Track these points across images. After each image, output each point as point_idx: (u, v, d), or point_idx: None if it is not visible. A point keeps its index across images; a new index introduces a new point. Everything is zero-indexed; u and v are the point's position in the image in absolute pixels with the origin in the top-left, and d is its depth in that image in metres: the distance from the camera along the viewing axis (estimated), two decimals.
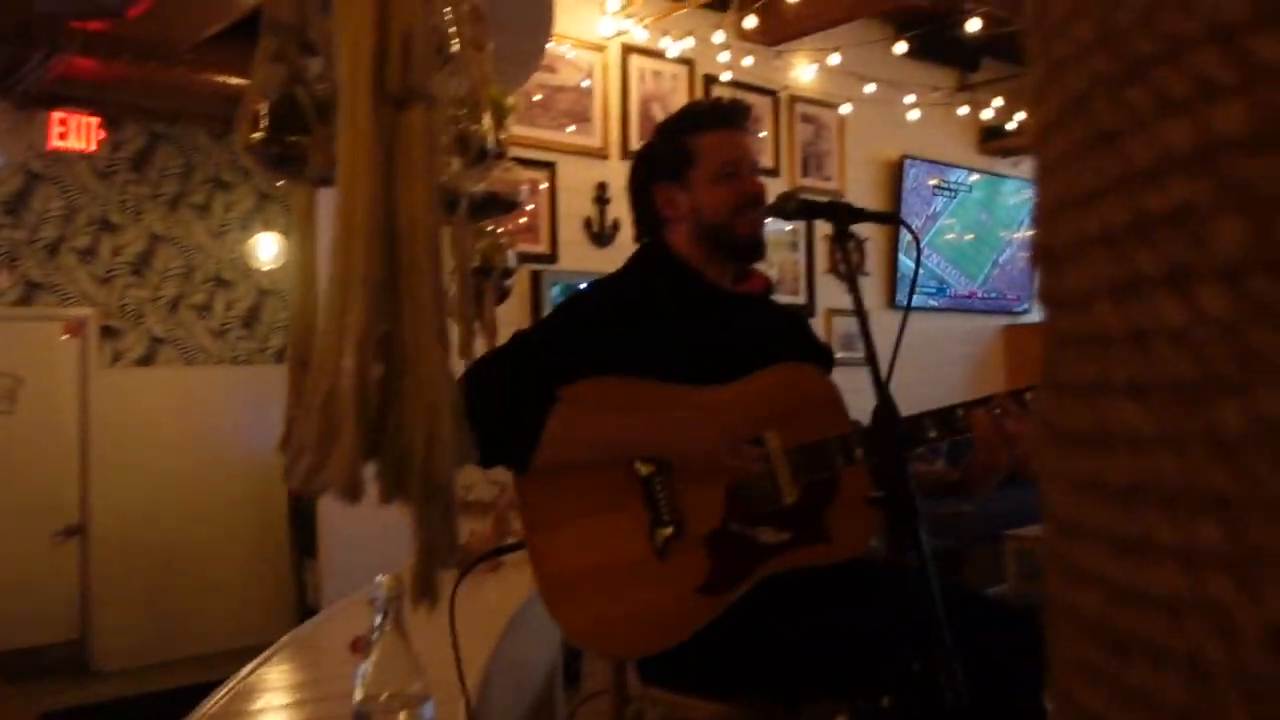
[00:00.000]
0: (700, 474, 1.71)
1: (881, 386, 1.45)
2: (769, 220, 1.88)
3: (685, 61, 5.97)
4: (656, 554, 1.70)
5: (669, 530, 1.71)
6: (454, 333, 3.22)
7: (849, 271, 1.63)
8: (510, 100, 4.09)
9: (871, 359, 1.50)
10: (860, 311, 1.55)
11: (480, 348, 3.54)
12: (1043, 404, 0.41)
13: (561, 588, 1.68)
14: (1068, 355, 0.38)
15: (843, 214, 1.69)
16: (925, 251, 7.38)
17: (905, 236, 7.26)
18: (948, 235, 7.52)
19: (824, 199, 1.73)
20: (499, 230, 3.86)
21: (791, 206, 1.73)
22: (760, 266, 2.04)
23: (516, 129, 5.33)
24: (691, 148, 1.90)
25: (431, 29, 0.86)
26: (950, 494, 1.89)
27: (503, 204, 3.61)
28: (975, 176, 7.67)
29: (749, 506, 1.73)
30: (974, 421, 1.74)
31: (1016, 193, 8.05)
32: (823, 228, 6.78)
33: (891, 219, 1.92)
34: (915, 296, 7.25)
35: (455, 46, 1.34)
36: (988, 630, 1.61)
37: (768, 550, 1.73)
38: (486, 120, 3.41)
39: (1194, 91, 0.31)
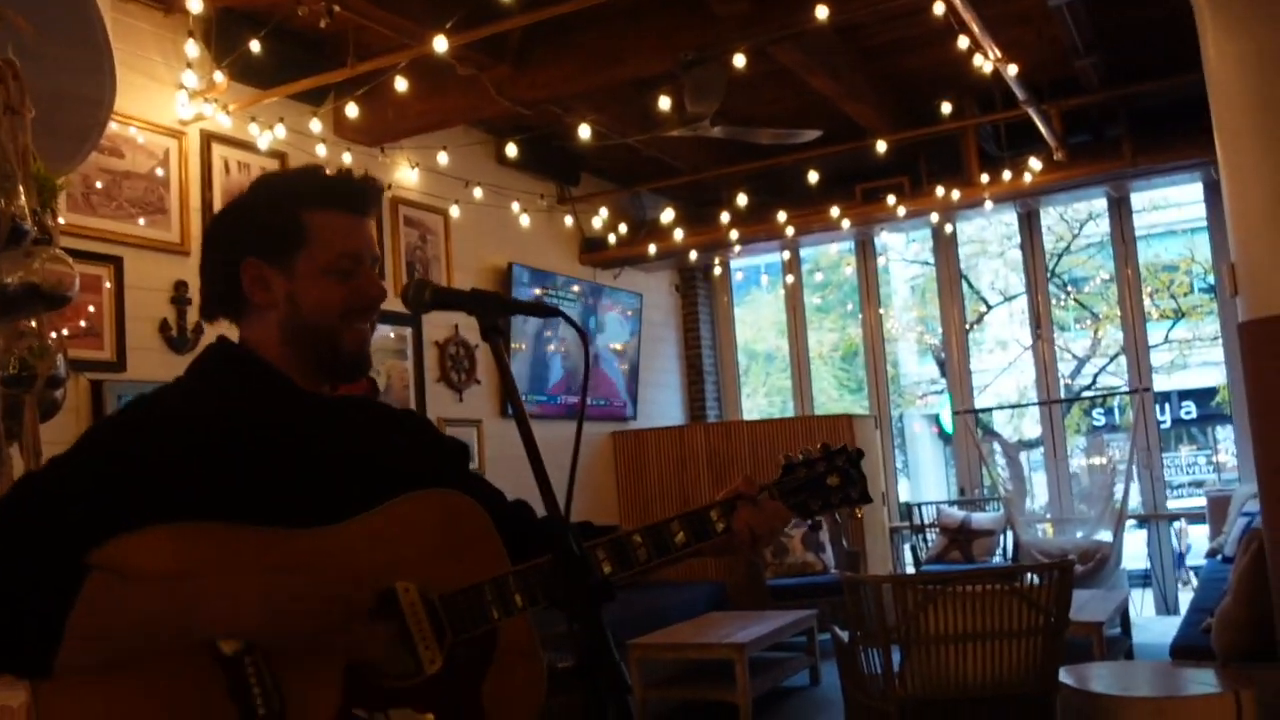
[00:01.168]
0: (308, 646, 1.28)
1: (558, 521, 1.13)
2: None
3: (278, 154, 5.48)
4: None
5: None
6: None
7: (503, 369, 1.32)
8: (60, 180, 3.45)
9: (542, 480, 1.19)
10: (522, 423, 1.25)
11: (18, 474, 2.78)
12: None
13: None
14: None
15: (490, 305, 1.38)
16: (522, 359, 7.29)
17: (516, 339, 7.14)
18: (550, 345, 7.50)
19: (463, 289, 1.41)
20: (47, 331, 3.18)
21: (427, 295, 1.40)
22: None
23: (73, 217, 4.59)
24: (306, 225, 1.46)
25: None
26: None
27: (46, 298, 3.00)
28: (577, 287, 7.76)
29: (378, 682, 1.32)
30: (737, 522, 1.51)
31: (617, 304, 8.25)
32: (432, 332, 6.49)
33: (546, 310, 1.34)
34: (527, 404, 7.13)
35: None
36: None
37: None
38: (22, 197, 2.78)
39: None
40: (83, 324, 4.60)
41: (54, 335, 3.19)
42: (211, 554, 1.27)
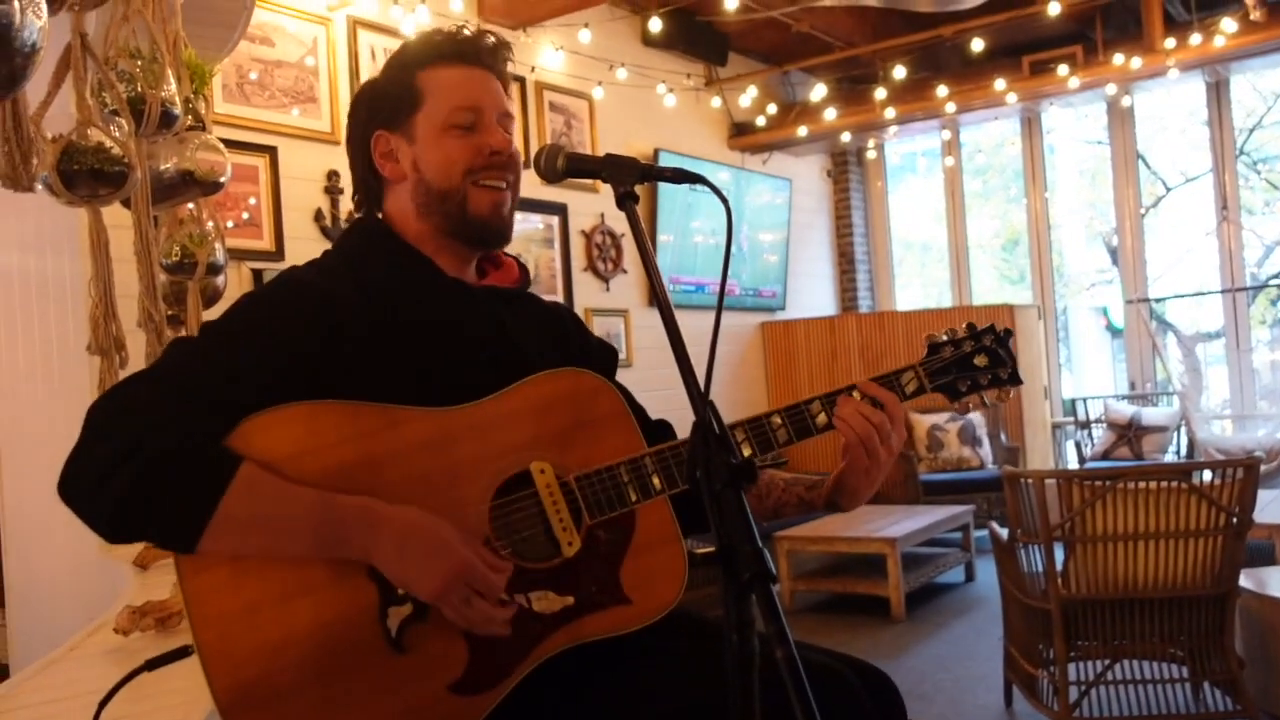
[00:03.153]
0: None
1: (700, 398, 1.04)
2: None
3: None
4: (390, 644, 1.22)
5: (407, 609, 1.23)
6: (140, 342, 2.61)
7: (639, 238, 1.22)
8: (214, 68, 3.49)
9: (683, 361, 1.10)
10: (663, 301, 1.15)
11: None
12: None
13: (249, 704, 1.18)
14: None
15: (626, 170, 1.27)
16: (674, 249, 7.18)
17: (662, 231, 7.03)
18: (696, 237, 7.36)
19: (598, 155, 1.32)
20: (205, 218, 3.25)
21: (560, 162, 1.31)
22: (518, 256, 1.58)
23: (228, 107, 4.68)
24: (420, 84, 1.42)
25: None
26: (814, 512, 1.52)
27: (200, 184, 3.05)
28: (725, 174, 7.56)
29: (516, 564, 1.28)
30: (843, 419, 1.38)
31: (766, 191, 8.02)
32: (578, 221, 6.45)
33: (685, 176, 1.26)
34: (672, 296, 7.06)
35: None
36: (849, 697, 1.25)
37: (546, 622, 1.28)
38: (171, 82, 2.80)
39: None
40: (244, 215, 4.72)
41: (211, 224, 3.26)
42: (343, 433, 1.24)
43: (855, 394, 1.40)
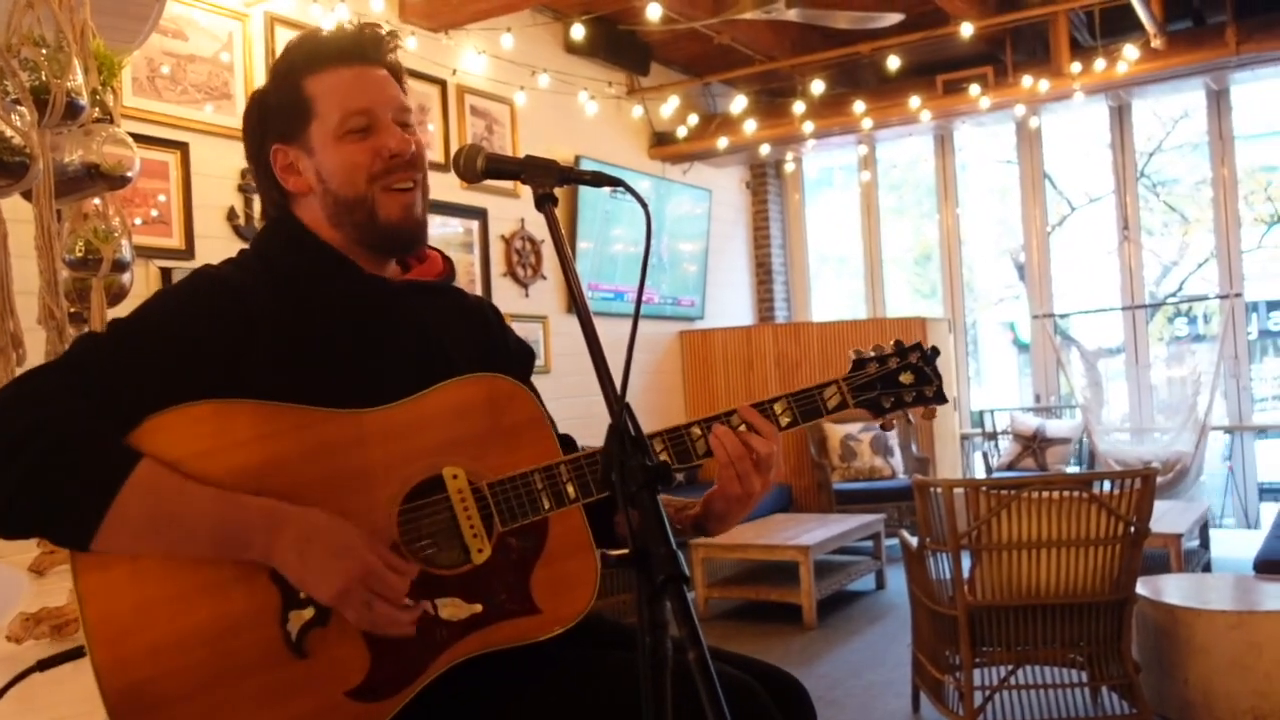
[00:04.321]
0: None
1: (618, 404, 1.04)
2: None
3: None
4: (290, 648, 1.20)
5: (308, 613, 1.21)
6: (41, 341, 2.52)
7: (558, 241, 1.22)
8: (123, 59, 3.39)
9: (600, 365, 1.10)
10: (581, 304, 1.15)
11: None
12: None
13: (139, 707, 1.14)
14: None
15: (545, 172, 1.27)
16: (587, 257, 7.18)
17: (582, 238, 7.03)
18: (616, 246, 7.38)
19: (517, 156, 1.31)
20: (111, 214, 3.15)
21: (480, 162, 1.30)
22: (441, 249, 1.55)
23: (138, 101, 4.55)
24: (309, 92, 1.37)
25: None
26: (682, 535, 1.48)
27: (106, 179, 2.95)
28: (646, 183, 7.59)
29: (424, 570, 1.26)
30: (719, 443, 1.36)
31: (686, 201, 8.07)
32: (498, 226, 6.41)
33: (603, 180, 1.28)
34: (591, 303, 7.06)
35: None
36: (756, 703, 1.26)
37: (452, 630, 1.27)
38: (78, 73, 2.71)
39: None
40: (153, 212, 4.59)
41: (118, 219, 3.16)
42: (252, 433, 1.22)
43: (735, 419, 1.39)
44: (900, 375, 1.46)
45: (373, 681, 1.22)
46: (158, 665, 1.15)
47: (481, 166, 1.31)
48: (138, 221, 4.42)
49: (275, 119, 1.40)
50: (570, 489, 1.30)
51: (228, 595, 1.19)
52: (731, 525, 1.45)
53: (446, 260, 1.54)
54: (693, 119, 7.61)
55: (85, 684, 1.20)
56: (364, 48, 1.40)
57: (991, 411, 7.94)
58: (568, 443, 1.52)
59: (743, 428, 1.38)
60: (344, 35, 1.41)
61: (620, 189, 1.27)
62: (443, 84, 6.03)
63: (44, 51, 2.53)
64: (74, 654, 1.27)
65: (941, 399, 1.48)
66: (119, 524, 1.14)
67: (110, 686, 1.14)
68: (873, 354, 1.47)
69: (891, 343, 1.49)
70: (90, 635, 1.15)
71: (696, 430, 1.37)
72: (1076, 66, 6.55)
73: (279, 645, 1.19)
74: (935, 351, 1.49)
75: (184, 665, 1.16)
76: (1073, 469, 7.11)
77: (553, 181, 1.27)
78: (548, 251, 6.71)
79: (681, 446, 1.36)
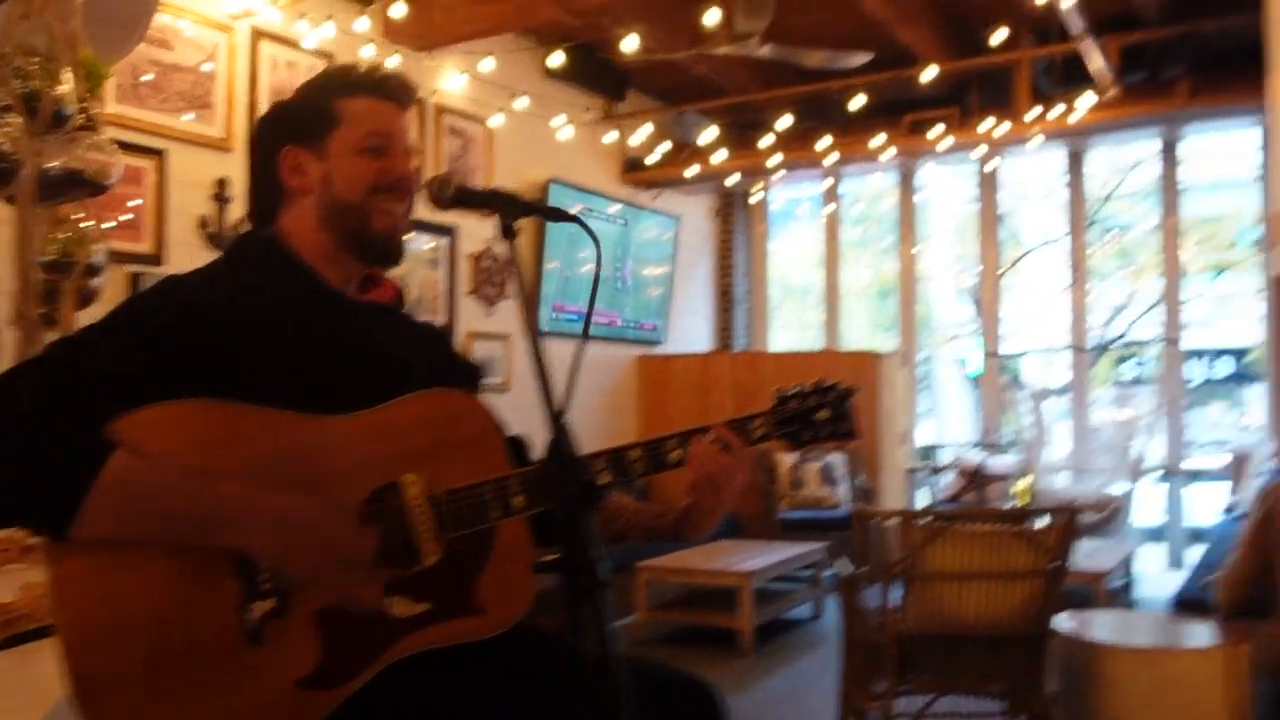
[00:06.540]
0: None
1: (556, 422, 1.18)
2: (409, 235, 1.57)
3: (325, 54, 5.48)
4: (247, 637, 1.31)
5: (268, 604, 1.32)
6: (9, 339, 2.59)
7: (517, 271, 1.38)
8: (108, 69, 3.48)
9: (545, 385, 1.24)
10: (530, 323, 1.29)
11: None
12: None
13: (98, 689, 1.24)
14: None
15: (510, 205, 1.42)
16: (564, 279, 7.31)
17: (549, 258, 7.16)
18: (583, 268, 7.50)
19: (485, 188, 1.47)
20: (85, 219, 3.24)
21: (449, 191, 1.44)
22: (395, 277, 1.70)
23: (120, 108, 4.64)
24: (337, 110, 1.55)
25: None
26: (659, 541, 1.65)
27: (88, 185, 3.05)
28: (616, 208, 7.74)
29: (377, 570, 1.38)
30: (694, 457, 1.51)
31: (654, 227, 8.23)
32: (467, 243, 6.53)
33: (562, 215, 1.50)
34: (554, 324, 7.19)
35: None
36: (671, 708, 1.40)
37: (399, 626, 1.39)
38: (68, 81, 2.82)
39: None
40: (125, 216, 4.67)
41: (93, 224, 3.25)
42: (220, 433, 1.33)
43: (710, 434, 1.54)
44: (817, 412, 1.60)
45: (322, 672, 1.33)
46: (119, 649, 1.25)
47: (451, 196, 1.45)
48: (109, 225, 4.48)
49: (297, 122, 1.56)
50: (518, 500, 1.42)
51: (192, 583, 1.29)
52: (706, 532, 1.61)
53: (398, 290, 1.69)
54: (665, 147, 7.77)
55: (50, 666, 1.29)
56: (396, 90, 1.58)
57: (939, 446, 8.15)
58: (521, 443, 1.66)
59: (677, 452, 1.53)
60: (382, 72, 1.60)
61: (575, 222, 1.42)
62: (421, 103, 6.15)
63: (35, 60, 2.64)
64: (38, 634, 1.35)
65: (851, 436, 1.62)
66: (96, 513, 1.23)
67: (73, 667, 1.23)
68: (794, 391, 1.62)
69: (813, 381, 1.65)
70: (58, 618, 1.24)
71: (635, 453, 1.50)
72: (1035, 112, 6.78)
73: (236, 634, 1.30)
74: (850, 392, 1.64)
75: (145, 651, 1.26)
76: (1011, 505, 7.32)
77: (516, 214, 1.42)
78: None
79: (620, 466, 1.49)
